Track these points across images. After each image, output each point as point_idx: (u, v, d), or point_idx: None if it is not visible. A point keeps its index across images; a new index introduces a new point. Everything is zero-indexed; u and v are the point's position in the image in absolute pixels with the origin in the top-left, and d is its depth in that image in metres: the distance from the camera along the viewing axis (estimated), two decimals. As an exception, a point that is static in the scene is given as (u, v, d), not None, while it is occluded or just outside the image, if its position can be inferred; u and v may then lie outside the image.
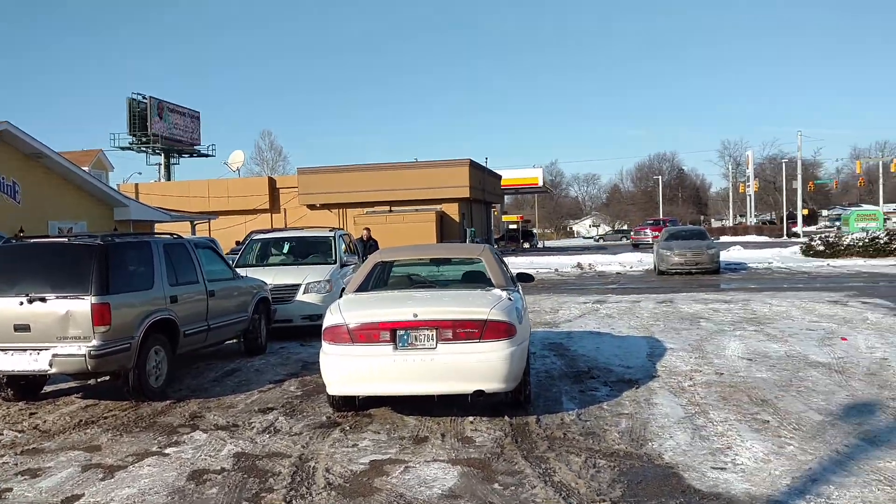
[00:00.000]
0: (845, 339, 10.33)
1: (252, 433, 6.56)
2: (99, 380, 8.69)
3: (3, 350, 7.58)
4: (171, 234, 9.77)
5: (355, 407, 7.08)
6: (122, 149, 55.07)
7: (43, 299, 7.51)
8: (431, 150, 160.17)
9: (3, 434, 6.98)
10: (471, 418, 6.72)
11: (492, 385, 6.41)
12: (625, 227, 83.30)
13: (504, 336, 6.36)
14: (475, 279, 7.95)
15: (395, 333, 6.40)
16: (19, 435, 6.92)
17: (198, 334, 9.09)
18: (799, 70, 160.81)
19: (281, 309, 11.94)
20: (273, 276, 12.30)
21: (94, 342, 7.39)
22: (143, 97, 53.94)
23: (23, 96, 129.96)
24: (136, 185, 47.79)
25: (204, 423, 6.99)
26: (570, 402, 7.36)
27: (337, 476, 5.41)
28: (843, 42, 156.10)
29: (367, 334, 6.45)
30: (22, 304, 7.53)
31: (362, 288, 7.68)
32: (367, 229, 20.35)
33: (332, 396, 6.94)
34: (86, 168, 28.96)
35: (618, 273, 26.75)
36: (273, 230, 32.15)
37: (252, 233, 20.22)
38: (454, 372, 6.33)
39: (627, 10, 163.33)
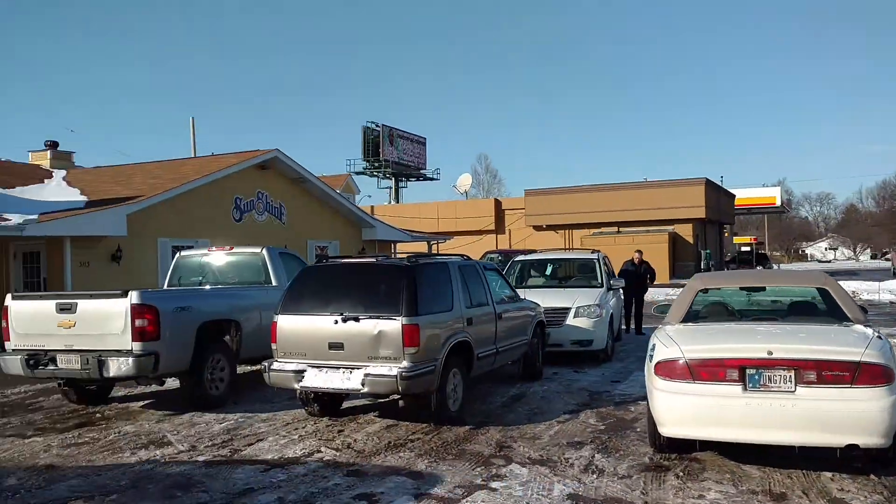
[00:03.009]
0: None
1: (574, 471, 6.31)
2: (393, 398, 8.40)
3: (317, 367, 7.77)
4: (462, 256, 9.69)
5: (679, 449, 6.57)
6: (356, 173, 56.42)
7: (356, 319, 7.63)
8: (651, 168, 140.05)
9: (321, 451, 7.16)
10: (829, 474, 6.03)
11: (868, 439, 5.60)
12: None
13: (881, 382, 5.58)
14: (814, 311, 7.36)
15: (745, 372, 5.81)
16: (337, 454, 7.05)
17: (488, 357, 9.04)
18: None
19: (552, 332, 11.52)
20: (542, 299, 11.67)
21: (405, 363, 7.47)
22: (377, 125, 57.31)
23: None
24: (372, 207, 49.66)
25: (516, 456, 6.83)
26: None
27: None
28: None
29: (710, 371, 5.91)
30: (336, 322, 7.68)
31: (689, 318, 7.17)
32: (640, 252, 17.42)
33: (660, 436, 6.41)
34: (337, 191, 25.76)
35: (891, 302, 24.56)
36: (508, 251, 30.16)
37: (486, 253, 21.67)
38: (818, 421, 5.63)
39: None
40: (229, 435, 7.91)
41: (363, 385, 7.54)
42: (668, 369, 6.10)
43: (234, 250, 11.72)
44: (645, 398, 9.05)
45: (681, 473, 6.20)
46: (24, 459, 7.15)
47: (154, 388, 10.32)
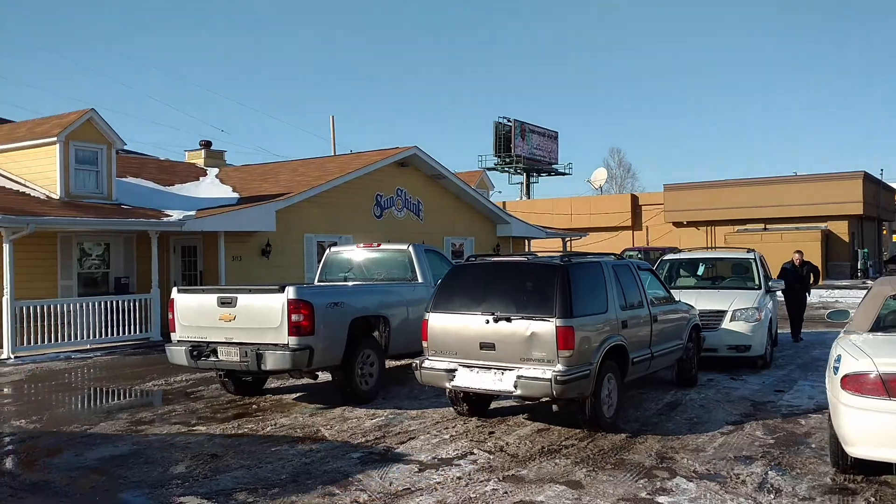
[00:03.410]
0: None
1: (747, 489, 5.94)
2: (543, 401, 8.21)
3: (469, 367, 7.71)
4: (615, 255, 9.52)
5: (867, 471, 6.10)
6: (488, 169, 52.82)
7: (508, 319, 7.49)
8: (795, 161, 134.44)
9: (474, 453, 7.10)
10: None
11: None
12: None
13: None
14: None
15: None
16: (490, 457, 6.97)
17: (643, 362, 8.76)
18: None
19: (706, 336, 11.14)
20: (694, 301, 11.37)
21: (559, 367, 7.26)
22: (508, 120, 57.02)
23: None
24: (504, 202, 48.03)
25: (680, 468, 6.56)
26: None
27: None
28: None
29: None
30: (488, 322, 7.59)
31: (877, 326, 6.56)
32: (800, 252, 16.28)
33: (846, 456, 5.94)
34: (472, 187, 27.27)
35: None
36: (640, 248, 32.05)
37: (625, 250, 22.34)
38: None
39: None
40: (381, 432, 7.95)
41: (516, 387, 7.36)
42: (857, 383, 5.56)
43: (380, 247, 11.88)
44: (816, 411, 8.49)
45: (872, 499, 5.66)
46: (189, 448, 7.44)
47: (305, 380, 10.58)
